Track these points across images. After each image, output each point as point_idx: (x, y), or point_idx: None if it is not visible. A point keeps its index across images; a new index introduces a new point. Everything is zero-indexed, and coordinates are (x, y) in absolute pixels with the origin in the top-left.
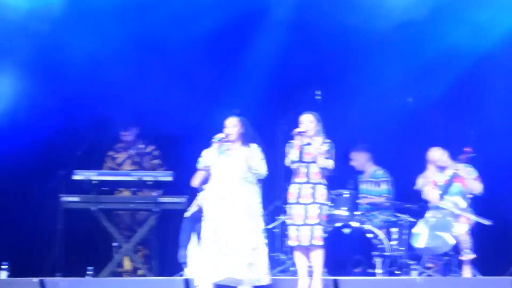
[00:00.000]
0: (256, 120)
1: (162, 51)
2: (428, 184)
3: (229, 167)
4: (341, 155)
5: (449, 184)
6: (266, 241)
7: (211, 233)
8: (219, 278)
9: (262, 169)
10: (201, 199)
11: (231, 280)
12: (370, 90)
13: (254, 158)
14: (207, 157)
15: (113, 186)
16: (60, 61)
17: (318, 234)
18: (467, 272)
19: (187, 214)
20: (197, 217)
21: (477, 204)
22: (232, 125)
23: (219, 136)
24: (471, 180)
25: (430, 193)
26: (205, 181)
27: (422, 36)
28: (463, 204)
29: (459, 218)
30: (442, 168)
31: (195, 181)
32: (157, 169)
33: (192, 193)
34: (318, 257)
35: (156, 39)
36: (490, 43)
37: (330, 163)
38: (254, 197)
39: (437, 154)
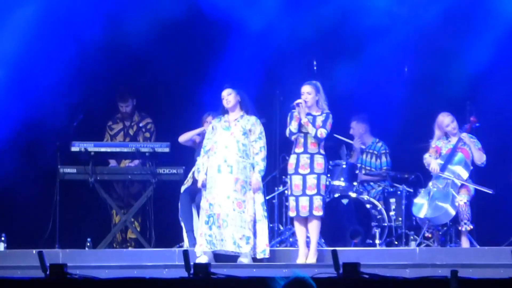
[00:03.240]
0: (251, 91)
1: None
2: (431, 150)
3: (227, 139)
4: (338, 126)
5: (453, 153)
6: (266, 214)
7: (207, 206)
8: (216, 248)
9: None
10: (197, 171)
11: (231, 252)
12: (368, 60)
13: (254, 131)
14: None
15: (110, 157)
16: (54, 30)
17: (318, 204)
18: (465, 242)
19: (183, 188)
20: (194, 189)
21: (477, 174)
22: (227, 93)
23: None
24: (475, 150)
25: (431, 163)
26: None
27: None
28: (465, 174)
29: (460, 189)
30: (447, 136)
31: (182, 138)
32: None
33: (188, 165)
34: (314, 227)
35: (150, 11)
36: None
37: (321, 132)
38: (251, 171)
39: (446, 120)
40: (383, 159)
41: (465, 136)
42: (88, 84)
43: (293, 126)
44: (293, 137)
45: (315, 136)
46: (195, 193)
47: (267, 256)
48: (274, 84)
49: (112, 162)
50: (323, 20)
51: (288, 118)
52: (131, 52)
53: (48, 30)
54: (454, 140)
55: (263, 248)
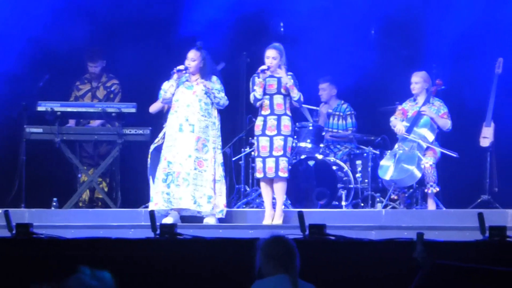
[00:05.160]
0: (218, 52)
1: None
2: (397, 112)
3: (189, 98)
4: (303, 89)
5: (418, 115)
6: (223, 173)
7: (165, 164)
8: (173, 207)
9: (221, 99)
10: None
11: (191, 212)
12: (335, 22)
13: (213, 89)
14: (167, 89)
15: (76, 117)
16: None
17: (283, 166)
18: (431, 205)
19: (152, 146)
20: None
21: (443, 137)
22: (191, 58)
23: (179, 67)
24: (438, 119)
25: (397, 125)
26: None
27: None
28: (431, 136)
29: (426, 151)
30: (414, 99)
31: (152, 108)
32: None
33: (157, 125)
34: (280, 189)
35: None
36: None
37: (301, 96)
38: (212, 130)
39: (413, 78)
40: (349, 120)
41: (425, 109)
42: (57, 43)
43: (257, 93)
44: (258, 103)
45: (298, 100)
46: None
47: (223, 216)
48: (241, 45)
49: (71, 123)
50: None
51: (251, 84)
52: (101, 12)
53: None
54: (421, 102)
55: (221, 208)
